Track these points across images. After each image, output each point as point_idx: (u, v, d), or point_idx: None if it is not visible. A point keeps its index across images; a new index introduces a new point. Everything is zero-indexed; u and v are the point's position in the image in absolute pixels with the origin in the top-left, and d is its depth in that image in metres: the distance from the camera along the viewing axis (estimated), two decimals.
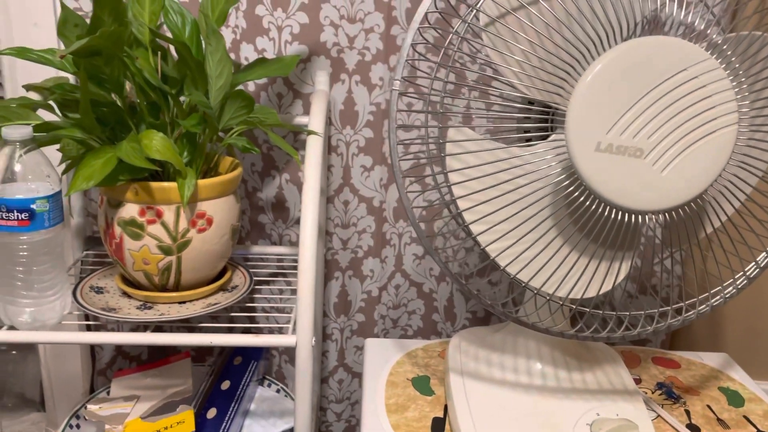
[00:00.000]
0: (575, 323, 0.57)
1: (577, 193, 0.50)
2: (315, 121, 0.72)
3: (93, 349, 0.93)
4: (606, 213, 0.50)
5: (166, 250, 0.65)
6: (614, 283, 0.53)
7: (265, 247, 0.90)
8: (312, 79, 0.85)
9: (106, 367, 0.93)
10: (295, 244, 0.92)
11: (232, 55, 0.86)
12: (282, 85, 0.86)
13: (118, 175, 0.61)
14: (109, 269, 0.75)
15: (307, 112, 0.86)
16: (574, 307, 0.56)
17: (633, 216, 0.50)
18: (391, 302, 0.96)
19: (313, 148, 0.68)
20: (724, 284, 0.58)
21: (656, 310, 0.57)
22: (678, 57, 0.46)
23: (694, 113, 0.47)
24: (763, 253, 0.56)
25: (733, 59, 0.49)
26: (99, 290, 0.70)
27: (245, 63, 0.85)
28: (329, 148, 0.89)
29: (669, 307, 0.57)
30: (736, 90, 0.47)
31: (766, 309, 0.99)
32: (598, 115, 0.47)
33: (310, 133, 0.69)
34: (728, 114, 0.47)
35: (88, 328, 0.86)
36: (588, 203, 0.50)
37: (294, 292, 0.91)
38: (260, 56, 0.85)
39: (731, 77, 0.47)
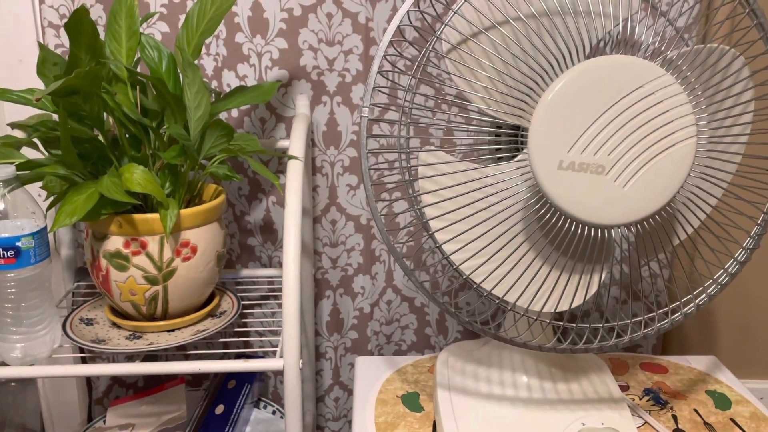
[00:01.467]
0: (566, 336, 0.57)
1: (543, 210, 0.51)
2: (295, 145, 0.73)
3: (89, 379, 0.94)
4: (574, 228, 0.51)
5: (152, 281, 0.66)
6: (585, 296, 0.54)
7: (255, 270, 0.91)
8: (293, 102, 0.87)
9: (103, 396, 0.94)
10: None
11: (215, 83, 0.87)
12: (264, 109, 0.88)
13: (101, 209, 0.63)
14: (98, 300, 0.76)
15: (290, 135, 0.88)
16: (548, 321, 0.57)
17: (600, 230, 0.51)
18: (383, 318, 0.97)
19: (294, 173, 0.69)
20: (706, 284, 0.59)
21: (642, 318, 0.57)
22: (634, 74, 0.47)
23: (653, 128, 0.48)
24: (741, 250, 0.57)
25: (688, 74, 0.50)
26: (89, 322, 0.71)
27: (228, 89, 0.87)
28: (314, 169, 0.90)
29: (655, 312, 0.58)
30: (693, 103, 0.48)
31: (756, 310, 0.99)
32: (559, 134, 0.48)
33: (290, 157, 0.70)
34: (686, 127, 0.48)
35: (83, 360, 0.87)
36: (555, 220, 0.51)
37: None
38: (242, 82, 0.86)
39: (687, 91, 0.48)
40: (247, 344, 0.95)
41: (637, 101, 0.47)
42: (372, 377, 0.78)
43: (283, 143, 0.86)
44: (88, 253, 0.68)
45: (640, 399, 0.73)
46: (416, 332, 0.98)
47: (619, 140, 0.48)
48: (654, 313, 0.56)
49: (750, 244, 0.56)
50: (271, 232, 0.92)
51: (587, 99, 0.47)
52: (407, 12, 0.52)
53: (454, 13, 0.50)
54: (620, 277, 0.57)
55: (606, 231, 0.52)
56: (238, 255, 0.94)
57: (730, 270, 0.56)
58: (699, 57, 0.51)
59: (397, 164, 0.54)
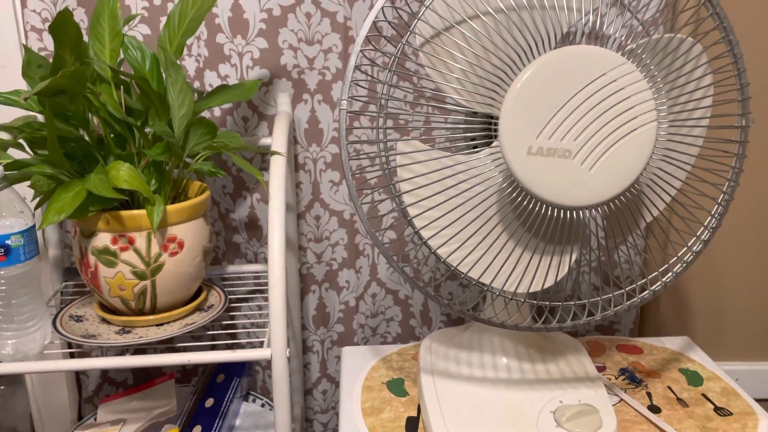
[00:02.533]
0: (542, 315, 0.60)
1: (515, 195, 0.53)
2: (277, 142, 0.75)
3: (78, 378, 0.95)
4: (545, 211, 0.54)
5: (140, 275, 0.67)
6: (557, 276, 0.56)
7: (241, 266, 0.93)
8: (275, 101, 0.89)
9: (93, 395, 0.95)
10: None
11: (197, 83, 0.89)
12: (246, 108, 0.89)
13: (89, 206, 0.64)
14: (87, 298, 0.77)
15: (272, 132, 0.90)
16: (522, 300, 0.59)
17: (571, 212, 0.53)
18: (368, 311, 0.99)
19: (277, 168, 0.71)
20: (671, 262, 0.62)
21: (611, 295, 0.60)
22: (597, 63, 0.50)
23: (615, 114, 0.50)
24: (703, 229, 0.60)
25: (648, 62, 0.53)
26: (78, 318, 0.73)
27: (210, 89, 0.88)
28: (296, 166, 0.92)
29: (623, 290, 0.61)
30: (653, 90, 0.51)
31: (729, 293, 1.03)
32: (528, 121, 0.50)
33: (273, 153, 0.72)
34: (647, 113, 0.50)
35: (72, 356, 0.88)
36: (526, 203, 0.54)
37: None
38: (223, 82, 0.88)
39: (648, 78, 0.51)
40: (234, 337, 0.97)
41: (600, 88, 0.50)
42: (358, 366, 0.80)
43: (265, 141, 0.88)
44: (76, 250, 0.70)
45: (617, 378, 0.76)
46: (401, 324, 1.00)
47: (584, 126, 0.50)
48: (623, 291, 0.59)
49: (712, 224, 0.59)
50: (256, 228, 0.94)
51: (553, 87, 0.50)
52: (381, 8, 0.54)
53: (426, 8, 0.52)
54: (589, 257, 0.60)
55: (575, 212, 0.54)
56: (224, 252, 0.95)
57: (694, 249, 0.59)
58: (658, 46, 0.54)
59: (376, 156, 0.56)
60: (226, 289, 0.79)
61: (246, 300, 0.94)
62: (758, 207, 0.99)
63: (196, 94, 0.82)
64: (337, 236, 0.95)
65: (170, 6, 0.86)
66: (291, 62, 0.88)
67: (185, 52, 0.88)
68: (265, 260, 0.95)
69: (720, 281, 1.03)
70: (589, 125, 0.50)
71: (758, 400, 1.09)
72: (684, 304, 1.04)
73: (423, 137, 0.59)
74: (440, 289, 0.95)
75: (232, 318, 0.95)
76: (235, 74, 0.88)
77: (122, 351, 0.85)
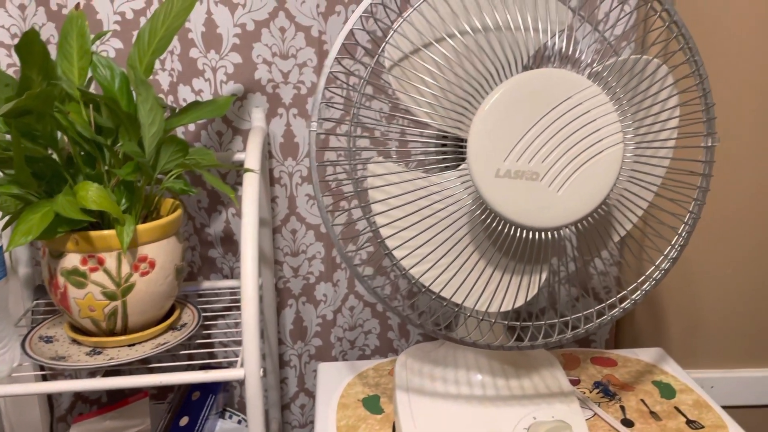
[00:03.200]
0: (515, 333, 0.60)
1: (484, 216, 0.53)
2: (250, 158, 0.75)
3: (51, 398, 0.93)
4: (514, 232, 0.54)
5: (110, 296, 0.67)
6: (527, 296, 0.56)
7: (216, 282, 0.92)
8: (249, 115, 0.88)
9: (66, 413, 0.94)
10: None
11: (171, 97, 0.88)
12: (221, 123, 0.89)
13: (57, 227, 0.63)
14: (58, 318, 0.76)
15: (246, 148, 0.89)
16: (493, 321, 0.59)
17: (540, 233, 0.54)
18: (346, 324, 0.99)
19: (250, 185, 0.71)
20: (640, 280, 0.62)
21: (581, 314, 0.61)
22: (563, 86, 0.50)
23: (582, 136, 0.51)
24: (670, 247, 0.61)
25: (614, 84, 0.53)
26: (48, 339, 0.71)
27: (184, 104, 0.88)
28: (272, 180, 0.92)
29: (593, 309, 0.61)
30: (619, 112, 0.52)
31: (704, 302, 1.04)
32: (496, 144, 0.51)
33: (246, 170, 0.72)
34: (613, 135, 0.51)
35: (44, 378, 0.87)
36: (495, 224, 0.54)
37: None
38: (198, 97, 0.88)
39: (613, 101, 0.51)
40: (211, 355, 0.96)
41: (566, 111, 0.50)
42: (334, 382, 0.80)
43: (240, 156, 0.88)
44: (45, 271, 0.69)
45: (591, 392, 0.76)
46: (379, 337, 1.00)
47: (551, 148, 0.51)
48: (592, 310, 0.60)
49: (679, 242, 0.60)
50: (231, 243, 0.93)
51: (520, 110, 0.50)
52: (351, 30, 0.54)
53: (394, 31, 0.52)
54: (559, 276, 0.60)
55: (544, 233, 0.54)
56: (199, 267, 0.95)
57: (662, 267, 0.60)
58: (624, 68, 0.54)
59: (346, 176, 0.56)
60: (202, 306, 0.78)
61: (223, 316, 0.94)
62: (732, 218, 1.00)
63: (168, 111, 0.81)
64: (314, 250, 0.95)
65: (143, 19, 0.85)
66: (265, 76, 0.88)
67: (158, 66, 0.87)
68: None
69: (695, 291, 1.04)
70: (555, 148, 0.51)
71: (733, 407, 1.11)
72: (660, 315, 1.05)
73: (394, 159, 0.60)
74: (415, 305, 0.95)
75: (209, 335, 0.94)
76: (209, 89, 0.87)
77: (94, 372, 0.84)
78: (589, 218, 0.54)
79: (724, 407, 1.12)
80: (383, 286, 0.96)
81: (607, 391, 0.76)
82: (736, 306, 1.05)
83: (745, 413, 1.10)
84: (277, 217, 0.93)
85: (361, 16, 0.52)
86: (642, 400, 0.74)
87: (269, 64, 0.87)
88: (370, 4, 0.52)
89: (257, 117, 0.85)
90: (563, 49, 0.51)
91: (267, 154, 0.90)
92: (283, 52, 0.87)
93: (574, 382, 0.78)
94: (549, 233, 0.54)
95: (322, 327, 0.98)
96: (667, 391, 0.76)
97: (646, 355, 0.85)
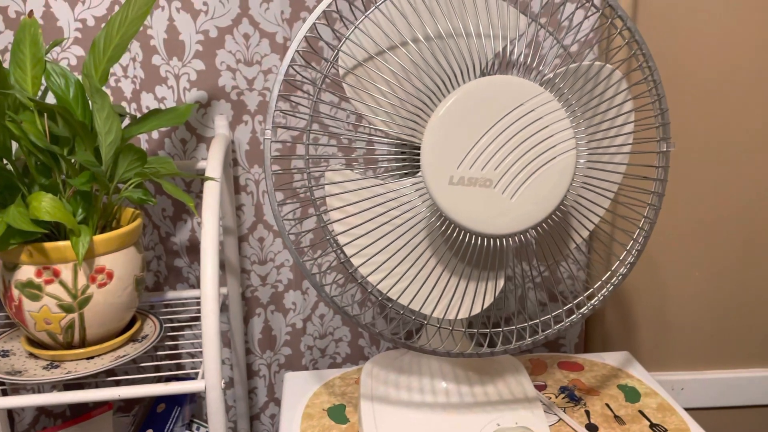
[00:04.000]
0: (480, 339, 0.60)
1: (439, 223, 0.53)
2: (212, 166, 0.74)
3: (11, 413, 0.91)
4: (469, 239, 0.54)
5: (66, 308, 0.65)
6: (483, 303, 0.56)
7: (182, 292, 0.91)
8: (213, 122, 0.87)
9: (29, 428, 0.92)
10: None
11: (134, 105, 0.87)
12: (185, 130, 0.88)
13: (9, 239, 0.62)
14: (15, 331, 0.75)
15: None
16: (450, 328, 0.59)
17: (496, 239, 0.54)
18: (317, 332, 0.98)
19: (210, 194, 0.70)
20: (596, 286, 0.62)
21: (538, 320, 0.61)
22: (515, 93, 0.50)
23: (534, 143, 0.51)
24: (625, 253, 0.61)
25: (566, 91, 0.53)
26: (5, 353, 0.70)
27: (147, 111, 0.87)
28: (238, 188, 0.91)
29: (550, 314, 0.61)
30: (571, 118, 0.52)
31: (673, 305, 1.05)
32: (449, 151, 0.50)
33: (206, 179, 0.71)
34: (565, 141, 0.51)
35: (4, 393, 0.85)
36: (450, 231, 0.54)
37: None
38: (161, 104, 0.86)
39: (566, 107, 0.51)
40: (179, 366, 0.95)
41: (519, 118, 0.50)
42: (299, 392, 0.79)
43: (203, 164, 0.87)
44: None
45: (557, 397, 0.76)
46: (350, 344, 0.99)
47: (504, 155, 0.51)
48: (549, 316, 0.60)
49: (636, 247, 0.60)
50: (197, 252, 0.92)
51: (473, 118, 0.50)
52: (305, 37, 0.54)
53: (346, 38, 0.52)
54: (522, 284, 0.60)
55: (501, 240, 0.54)
56: (165, 277, 0.93)
57: (619, 272, 0.60)
58: (578, 73, 0.54)
59: (303, 188, 0.56)
60: (168, 316, 0.77)
61: (190, 327, 0.92)
62: (699, 222, 1.02)
63: (129, 118, 0.80)
64: (282, 257, 0.94)
65: (103, 26, 0.84)
66: (230, 83, 0.87)
67: (120, 73, 0.86)
68: None
69: (663, 295, 1.05)
70: (508, 155, 0.50)
71: (703, 409, 1.11)
72: (629, 317, 1.05)
73: (352, 166, 0.59)
74: (375, 313, 0.94)
75: (176, 346, 0.93)
76: (173, 96, 0.86)
77: (57, 385, 0.82)
78: (544, 224, 0.54)
79: (694, 409, 1.13)
80: (345, 294, 0.95)
81: (572, 396, 0.76)
82: (704, 309, 1.06)
83: (715, 414, 1.11)
84: (244, 225, 0.92)
85: (314, 23, 0.52)
86: (607, 405, 0.74)
87: (233, 71, 0.86)
88: (323, 12, 0.52)
89: (220, 125, 0.84)
90: (519, 56, 0.51)
91: (231, 162, 0.89)
92: (247, 58, 0.86)
93: (541, 387, 0.78)
94: (506, 239, 0.54)
95: (292, 336, 0.97)
96: (632, 394, 0.76)
97: (612, 359, 0.85)
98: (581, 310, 0.60)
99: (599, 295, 0.59)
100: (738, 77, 0.96)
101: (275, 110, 0.54)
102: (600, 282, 0.60)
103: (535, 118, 0.50)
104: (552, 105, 0.50)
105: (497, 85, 0.50)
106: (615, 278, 0.60)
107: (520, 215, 0.52)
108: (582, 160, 0.54)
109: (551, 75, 0.53)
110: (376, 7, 0.51)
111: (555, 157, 0.51)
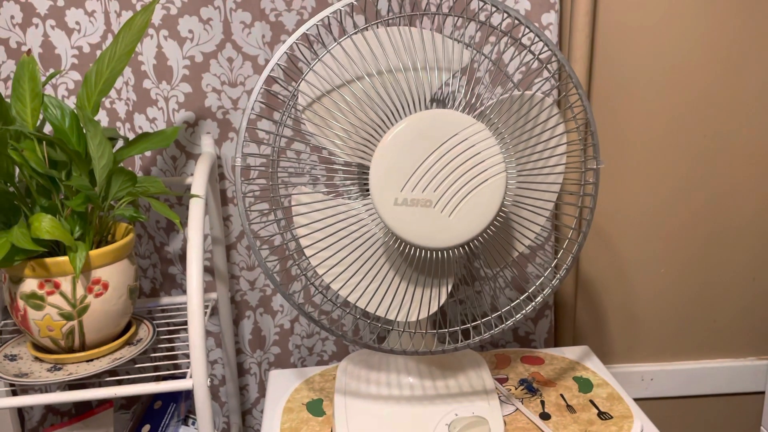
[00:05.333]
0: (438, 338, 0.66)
1: (387, 238, 0.60)
2: (197, 184, 0.81)
3: (21, 410, 0.99)
4: (417, 252, 0.60)
5: (67, 316, 0.73)
6: (435, 305, 0.63)
7: (176, 297, 0.98)
8: (201, 141, 0.94)
9: (38, 425, 1.00)
10: (206, 290, 1.00)
11: (127, 125, 0.94)
12: (175, 148, 0.95)
13: (14, 256, 0.69)
14: (22, 337, 0.82)
15: None
16: (413, 331, 0.66)
17: (441, 251, 0.61)
18: (304, 332, 1.05)
19: (195, 210, 0.77)
20: (538, 282, 0.69)
21: (479, 321, 0.67)
22: (450, 124, 0.57)
23: (468, 167, 0.58)
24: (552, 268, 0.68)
25: (495, 120, 0.60)
26: (13, 358, 0.78)
27: (140, 131, 0.94)
28: (225, 200, 0.98)
29: (490, 317, 0.68)
30: (501, 144, 0.58)
31: (640, 299, 1.11)
32: (394, 175, 0.57)
33: (192, 196, 0.78)
34: (495, 165, 0.58)
35: (14, 393, 0.93)
36: (397, 245, 0.60)
37: (208, 335, 0.99)
38: (152, 125, 0.94)
39: (496, 135, 0.58)
40: (176, 366, 1.02)
41: (454, 146, 0.57)
42: (282, 389, 0.86)
43: (192, 180, 0.94)
44: (6, 295, 0.75)
45: (516, 389, 0.83)
46: (336, 342, 1.06)
47: (442, 178, 0.57)
48: (490, 317, 0.66)
49: (568, 258, 0.67)
50: None
51: (414, 145, 0.57)
52: (272, 69, 0.60)
53: (310, 69, 0.59)
54: (460, 290, 0.67)
55: (445, 251, 0.61)
56: (161, 283, 1.01)
57: (554, 282, 0.67)
58: (510, 103, 0.61)
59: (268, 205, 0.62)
60: (164, 320, 0.84)
61: (185, 329, 1.00)
62: (663, 220, 1.07)
63: (121, 141, 0.87)
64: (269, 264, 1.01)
65: (98, 53, 0.91)
66: (215, 104, 0.94)
67: (115, 96, 0.93)
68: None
69: (631, 290, 1.10)
70: (446, 178, 0.57)
71: (672, 398, 1.17)
72: (598, 312, 1.11)
73: (317, 188, 0.66)
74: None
75: (173, 348, 1.00)
76: (163, 117, 0.93)
77: (62, 385, 0.90)
78: (482, 237, 0.60)
79: (664, 398, 1.18)
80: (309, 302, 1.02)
81: (530, 388, 0.83)
82: (670, 304, 1.11)
83: (684, 403, 1.16)
84: (232, 234, 0.99)
85: (277, 64, 0.59)
86: (561, 395, 0.81)
87: (218, 92, 0.93)
88: (285, 53, 0.59)
89: (206, 143, 0.91)
90: (457, 90, 0.58)
91: (218, 177, 0.96)
92: (231, 80, 0.93)
93: (503, 380, 0.85)
94: (450, 251, 0.60)
95: (280, 336, 1.04)
96: (585, 385, 0.83)
97: (572, 353, 0.92)
98: (526, 309, 0.66)
99: (539, 297, 0.66)
100: (700, 79, 1.01)
101: (243, 140, 0.61)
102: (541, 285, 0.67)
103: (469, 146, 0.57)
104: (483, 134, 0.57)
105: (434, 118, 0.57)
106: (554, 281, 0.66)
107: (458, 230, 0.58)
108: (512, 181, 0.61)
109: (482, 108, 0.60)
110: (328, 51, 0.58)
111: (487, 179, 0.58)
